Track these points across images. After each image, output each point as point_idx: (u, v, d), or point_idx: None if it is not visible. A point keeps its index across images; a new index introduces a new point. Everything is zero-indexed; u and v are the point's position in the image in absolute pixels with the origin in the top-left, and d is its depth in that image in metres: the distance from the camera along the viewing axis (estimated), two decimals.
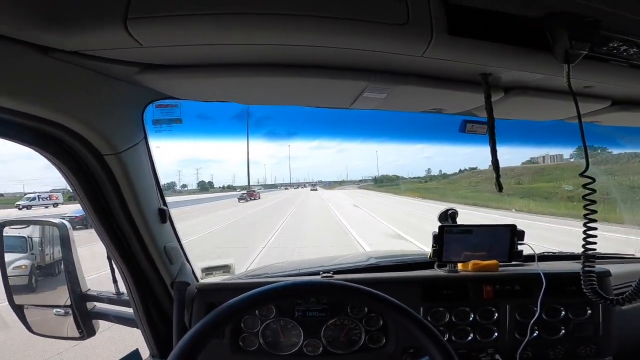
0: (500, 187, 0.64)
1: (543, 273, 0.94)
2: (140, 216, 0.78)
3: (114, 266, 0.92)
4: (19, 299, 0.99)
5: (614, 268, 1.01)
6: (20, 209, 15.43)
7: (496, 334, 0.95)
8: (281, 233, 9.75)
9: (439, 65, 0.62)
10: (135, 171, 0.74)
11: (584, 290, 0.74)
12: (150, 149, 0.79)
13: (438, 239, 0.99)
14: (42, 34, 0.50)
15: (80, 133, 0.64)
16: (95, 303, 1.03)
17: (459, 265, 1.02)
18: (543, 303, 0.93)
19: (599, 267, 0.91)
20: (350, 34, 0.52)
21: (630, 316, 1.02)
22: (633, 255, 1.35)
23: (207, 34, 0.51)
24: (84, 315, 1.01)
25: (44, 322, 1.07)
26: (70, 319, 1.03)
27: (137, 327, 1.00)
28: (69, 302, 0.99)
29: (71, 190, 0.71)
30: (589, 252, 0.69)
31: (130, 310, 0.99)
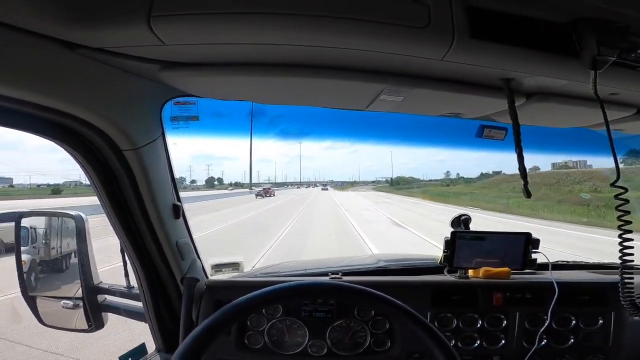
0: (528, 194, 0.63)
1: (556, 282, 0.92)
2: (155, 211, 0.78)
3: (126, 260, 0.94)
4: (31, 290, 1.00)
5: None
6: None
7: (503, 341, 0.94)
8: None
9: (459, 69, 0.61)
10: (152, 167, 0.74)
11: (622, 302, 0.72)
12: (167, 145, 0.80)
13: (450, 244, 0.99)
14: (68, 30, 0.50)
15: (101, 128, 0.65)
16: (105, 296, 1.04)
17: (470, 272, 1.01)
18: (554, 312, 0.92)
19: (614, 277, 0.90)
20: (370, 35, 0.52)
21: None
22: None
23: (227, 33, 0.51)
24: (95, 308, 1.02)
25: (54, 313, 1.08)
26: (80, 311, 1.04)
27: (145, 321, 1.01)
28: (80, 294, 1.00)
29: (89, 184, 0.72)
30: (627, 263, 0.67)
31: (139, 304, 1.00)
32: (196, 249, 0.96)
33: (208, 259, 1.02)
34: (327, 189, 49.98)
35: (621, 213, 0.63)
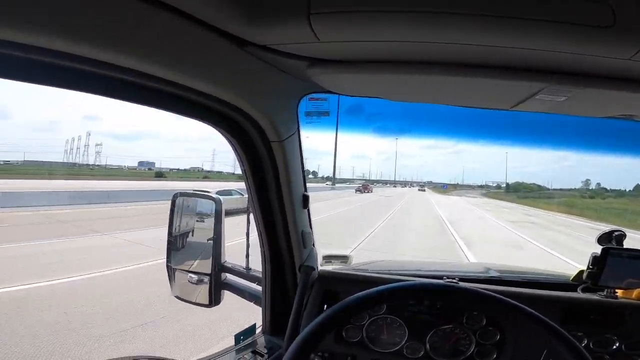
0: None
1: None
2: (289, 199, 0.87)
3: (249, 243, 1.05)
4: (173, 262, 1.18)
5: None
6: None
7: None
8: None
9: None
10: (290, 158, 0.83)
11: None
12: (301, 139, 0.88)
13: (599, 261, 0.89)
14: (240, 26, 0.55)
15: (257, 120, 0.74)
16: (227, 275, 1.17)
17: (619, 292, 0.88)
18: None
19: None
20: (548, 35, 0.50)
21: None
22: None
23: (381, 31, 0.53)
24: (218, 285, 1.13)
25: (183, 286, 1.25)
26: (202, 286, 1.18)
27: (256, 303, 1.10)
28: (208, 271, 1.14)
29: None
30: None
31: (253, 285, 1.10)
32: (313, 239, 1.02)
33: (320, 250, 1.07)
34: (424, 190, 46.35)
35: None
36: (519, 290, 0.94)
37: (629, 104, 0.72)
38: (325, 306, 0.99)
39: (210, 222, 1.06)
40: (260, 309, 1.08)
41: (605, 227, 0.96)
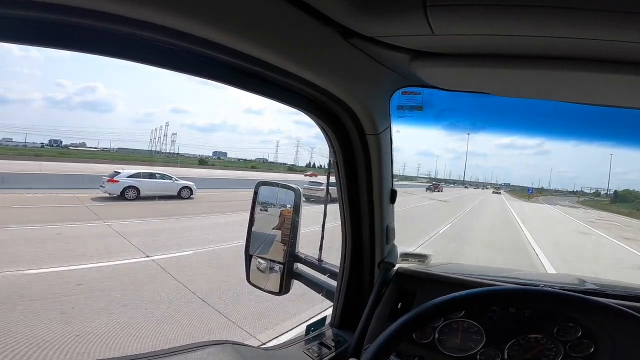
0: None
1: None
2: (379, 193, 0.86)
3: (324, 235, 1.06)
4: (251, 250, 1.23)
5: None
6: None
7: None
8: None
9: None
10: (383, 152, 0.82)
11: None
12: (392, 133, 0.86)
13: None
14: (347, 16, 0.55)
15: (355, 111, 0.74)
16: (298, 264, 1.20)
17: None
18: None
19: None
20: None
21: None
22: None
23: (493, 24, 0.51)
24: (289, 274, 1.16)
25: (257, 273, 1.31)
26: (274, 275, 1.23)
27: (323, 294, 1.10)
28: (282, 260, 1.17)
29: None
30: None
31: (324, 277, 1.10)
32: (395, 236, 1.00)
33: (399, 247, 1.04)
34: (499, 193, 42.75)
35: None
36: (630, 304, 0.80)
37: None
38: (400, 304, 0.95)
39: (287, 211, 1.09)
40: (331, 302, 1.08)
41: None
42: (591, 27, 0.47)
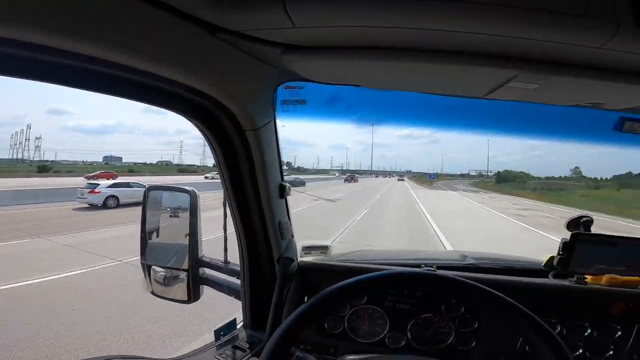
0: None
1: None
2: (265, 189, 0.85)
3: (227, 236, 1.02)
4: (149, 259, 1.13)
5: None
6: None
7: (611, 352, 0.84)
8: None
9: (615, 57, 0.56)
10: (266, 147, 0.81)
11: None
12: (277, 127, 0.85)
13: (568, 247, 0.89)
14: (212, 12, 0.54)
15: (230, 108, 0.72)
16: (205, 269, 1.14)
17: (588, 278, 0.90)
18: None
19: None
20: (520, 22, 0.50)
21: None
22: None
23: (359, 15, 0.52)
24: (196, 280, 1.11)
25: (159, 282, 1.21)
26: (181, 282, 1.15)
27: (237, 297, 1.07)
28: (186, 267, 1.11)
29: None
30: None
31: (232, 279, 1.07)
32: (292, 230, 1.00)
33: (299, 241, 1.06)
34: (403, 180, 47.62)
35: None
36: (494, 277, 0.95)
37: (597, 93, 0.73)
38: (306, 298, 0.98)
39: (185, 216, 1.02)
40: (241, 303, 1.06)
41: None
42: (456, 19, 0.51)
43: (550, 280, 0.94)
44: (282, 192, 0.90)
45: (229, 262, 1.09)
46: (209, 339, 1.03)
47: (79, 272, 5.23)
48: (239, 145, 0.78)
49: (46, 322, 3.60)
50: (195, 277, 1.11)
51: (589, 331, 0.87)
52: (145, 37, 0.52)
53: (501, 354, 0.86)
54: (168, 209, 1.07)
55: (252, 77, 0.73)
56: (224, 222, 0.98)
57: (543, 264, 0.96)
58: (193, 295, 1.13)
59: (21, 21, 0.40)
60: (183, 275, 1.13)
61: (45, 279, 4.91)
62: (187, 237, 1.03)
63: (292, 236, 1.01)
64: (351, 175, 40.06)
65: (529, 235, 9.21)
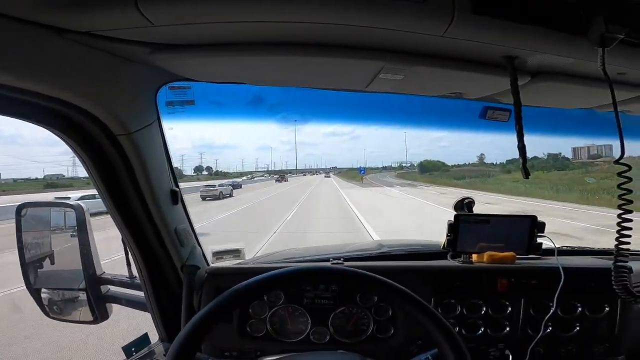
0: (527, 174, 0.62)
1: (562, 267, 0.90)
2: (152, 197, 0.78)
3: (128, 249, 0.93)
4: (35, 283, 1.00)
5: (635, 265, 0.96)
6: None
7: (508, 328, 0.93)
8: None
9: (460, 45, 0.59)
10: (147, 152, 0.74)
11: (614, 287, 0.71)
12: (164, 130, 0.78)
13: (453, 228, 0.96)
14: (53, 15, 0.50)
15: (93, 113, 0.64)
16: (109, 286, 1.04)
17: (474, 257, 0.99)
18: (560, 299, 0.90)
19: None
20: (365, 10, 0.50)
21: None
22: None
23: (219, 11, 0.50)
24: (98, 299, 1.02)
25: (59, 305, 1.09)
26: (81, 303, 1.05)
27: (148, 311, 1.01)
28: (83, 285, 1.00)
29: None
30: (623, 246, 0.66)
31: (141, 294, 1.00)
32: (196, 235, 0.95)
33: (208, 246, 1.01)
34: (329, 176, 49.63)
35: (623, 192, 0.62)
36: (399, 263, 1.01)
37: (454, 83, 0.78)
38: None
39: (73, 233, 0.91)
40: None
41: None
42: (305, 9, 0.49)
43: (446, 262, 1.02)
44: (175, 198, 0.84)
45: (135, 277, 1.00)
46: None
47: None
48: (112, 152, 0.70)
49: None
50: (96, 296, 1.02)
51: (484, 309, 0.93)
52: None
53: (417, 338, 0.91)
54: (49, 227, 0.94)
55: (121, 79, 0.66)
56: (122, 235, 0.89)
57: (441, 246, 1.02)
58: (99, 314, 1.05)
59: None
60: (82, 295, 1.03)
61: None
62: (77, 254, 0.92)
63: (198, 243, 0.96)
64: (282, 176, 41.85)
65: None
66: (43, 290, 1.01)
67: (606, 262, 1.02)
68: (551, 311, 0.90)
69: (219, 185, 20.49)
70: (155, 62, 0.64)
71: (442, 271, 0.96)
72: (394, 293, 0.64)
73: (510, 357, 0.92)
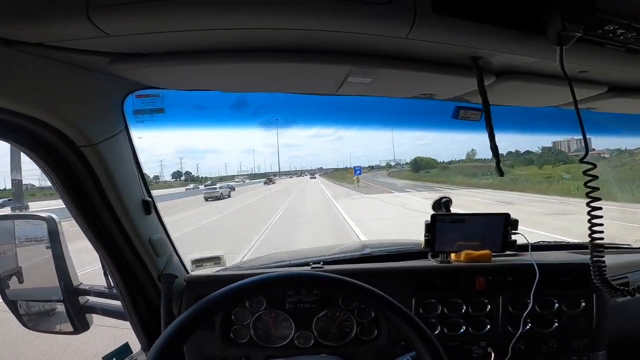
0: (501, 173, 0.63)
1: (536, 263, 0.91)
2: (122, 208, 0.76)
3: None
4: (11, 294, 0.99)
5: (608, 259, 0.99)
6: None
7: (489, 326, 0.93)
8: None
9: (425, 47, 0.59)
10: (114, 162, 0.72)
11: (594, 281, 0.71)
12: (132, 139, 0.77)
13: (430, 228, 0.97)
14: (2, 26, 0.48)
15: (53, 125, 0.62)
16: (88, 297, 1.03)
17: (452, 256, 1.00)
18: (536, 295, 0.91)
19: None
20: (331, 14, 0.50)
21: (623, 309, 1.00)
22: (629, 245, 1.32)
23: (179, 20, 0.49)
24: (77, 310, 1.01)
25: (38, 317, 1.07)
26: (60, 314, 1.03)
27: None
28: (59, 297, 0.98)
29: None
30: (597, 241, 0.67)
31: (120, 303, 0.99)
32: (173, 244, 0.94)
33: (187, 255, 1.00)
34: (315, 177, 49.59)
35: (590, 189, 0.63)
36: (380, 265, 1.02)
37: (424, 84, 0.78)
38: None
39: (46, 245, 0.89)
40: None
41: None
42: (268, 15, 0.49)
43: (426, 262, 1.02)
44: (148, 208, 0.82)
45: (113, 287, 0.99)
46: None
47: None
48: (77, 164, 0.69)
49: None
50: (76, 307, 1.01)
51: (464, 308, 0.93)
52: None
53: (401, 339, 0.91)
54: (20, 241, 0.92)
55: (80, 89, 0.65)
56: (94, 247, 0.88)
57: (422, 246, 1.02)
58: (79, 325, 1.04)
59: None
60: (61, 307, 1.02)
61: None
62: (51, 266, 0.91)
63: (176, 251, 0.95)
64: (270, 178, 43.67)
65: None
66: (19, 302, 1.00)
67: (580, 257, 1.04)
68: (529, 308, 0.91)
69: (219, 187, 24.49)
70: (116, 72, 0.63)
71: (422, 271, 0.96)
72: (366, 295, 0.64)
73: (493, 354, 0.92)
